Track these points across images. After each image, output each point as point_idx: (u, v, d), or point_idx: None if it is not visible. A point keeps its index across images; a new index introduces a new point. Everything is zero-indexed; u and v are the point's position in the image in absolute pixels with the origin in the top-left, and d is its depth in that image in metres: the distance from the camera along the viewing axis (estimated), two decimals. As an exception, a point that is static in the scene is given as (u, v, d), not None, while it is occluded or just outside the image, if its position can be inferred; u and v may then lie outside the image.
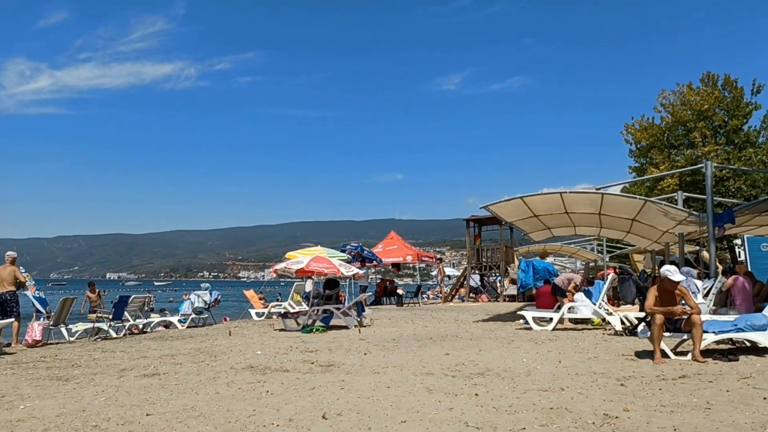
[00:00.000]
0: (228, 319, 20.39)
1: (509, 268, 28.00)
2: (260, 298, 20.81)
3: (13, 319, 11.51)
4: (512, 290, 26.46)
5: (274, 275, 16.44)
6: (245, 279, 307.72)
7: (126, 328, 14.29)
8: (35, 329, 12.05)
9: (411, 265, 34.58)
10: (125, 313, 14.21)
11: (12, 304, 11.61)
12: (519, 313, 13.92)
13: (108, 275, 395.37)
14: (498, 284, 27.52)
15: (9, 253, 11.97)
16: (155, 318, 16.60)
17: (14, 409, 5.62)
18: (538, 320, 12.56)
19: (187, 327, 16.43)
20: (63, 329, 13.24)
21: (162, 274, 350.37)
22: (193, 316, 16.85)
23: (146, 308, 16.32)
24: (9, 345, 11.56)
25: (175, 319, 16.62)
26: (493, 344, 9.91)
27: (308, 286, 16.19)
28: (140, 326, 15.20)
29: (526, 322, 12.63)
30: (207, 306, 17.32)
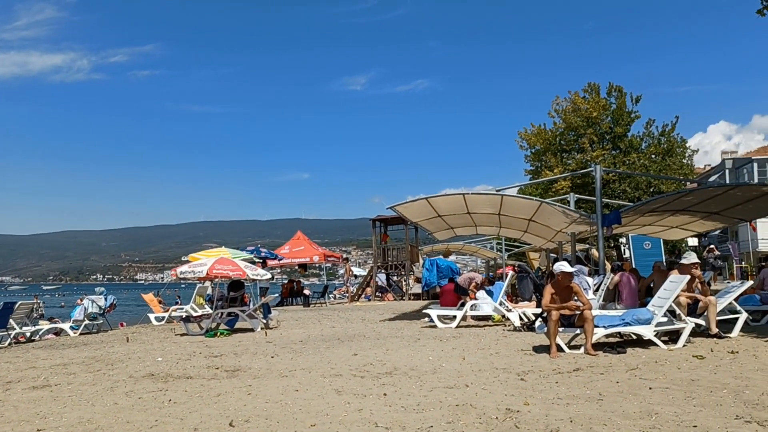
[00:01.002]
0: (125, 324, 19.45)
1: (414, 267, 28.55)
2: (159, 302, 19.99)
3: None
4: (417, 289, 26.98)
5: (175, 278, 15.85)
6: (143, 282, 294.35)
7: (11, 336, 13.30)
8: None
9: (317, 265, 34.45)
10: (10, 320, 13.21)
11: None
12: (424, 311, 14.23)
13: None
14: (403, 283, 27.99)
15: None
16: (44, 325, 15.57)
17: None
18: (443, 318, 12.90)
19: (80, 334, 15.51)
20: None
21: (51, 278, 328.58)
22: (87, 322, 15.92)
23: (34, 315, 15.27)
24: None
25: (66, 326, 15.65)
26: (400, 343, 10.08)
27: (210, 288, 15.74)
28: (27, 334, 14.20)
29: (431, 320, 12.93)
30: (102, 311, 16.41)
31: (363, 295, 28.88)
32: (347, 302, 26.69)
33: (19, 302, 14.04)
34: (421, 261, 28.58)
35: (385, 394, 5.84)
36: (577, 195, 21.81)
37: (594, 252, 23.52)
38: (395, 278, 28.88)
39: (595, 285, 12.76)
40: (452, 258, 34.14)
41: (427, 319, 13.43)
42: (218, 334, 12.78)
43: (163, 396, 6.22)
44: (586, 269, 13.97)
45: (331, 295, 30.28)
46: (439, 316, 12.84)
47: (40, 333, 15.10)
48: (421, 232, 26.14)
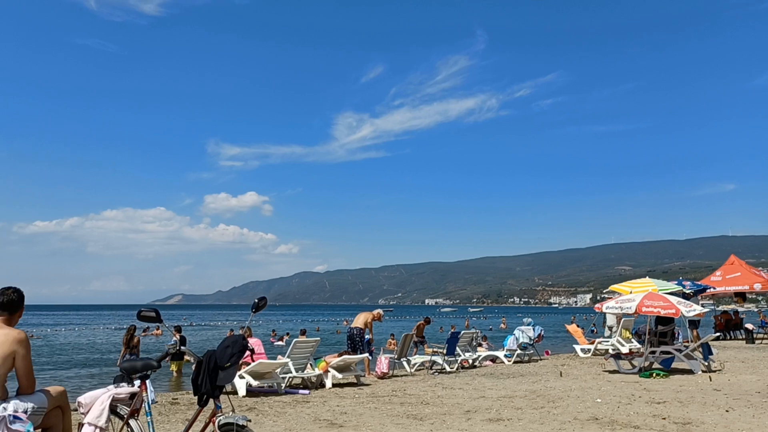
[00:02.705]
0: (550, 352, 20.07)
1: None
2: (581, 331, 20.04)
3: (367, 354, 13.05)
4: None
5: (600, 311, 15.63)
6: (557, 305, 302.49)
7: (458, 362, 15.02)
8: (383, 362, 13.40)
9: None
10: (457, 348, 14.95)
11: (358, 339, 13.32)
12: None
13: (426, 301, 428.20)
14: None
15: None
16: (483, 352, 17.15)
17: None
18: None
19: (514, 362, 16.60)
20: (404, 362, 14.49)
21: (474, 300, 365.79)
22: (519, 351, 16.98)
23: (474, 342, 17.00)
24: (363, 376, 13.06)
25: (501, 354, 16.95)
26: None
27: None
28: (470, 360, 15.84)
29: None
30: (531, 341, 17.31)
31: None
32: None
33: (463, 332, 15.80)
34: None
35: None
36: None
37: None
38: None
39: None
40: None
41: None
42: (653, 374, 11.99)
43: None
44: None
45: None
46: None
47: (480, 359, 16.66)
48: None
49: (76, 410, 4.38)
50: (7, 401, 3.80)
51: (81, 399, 4.14)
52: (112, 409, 4.08)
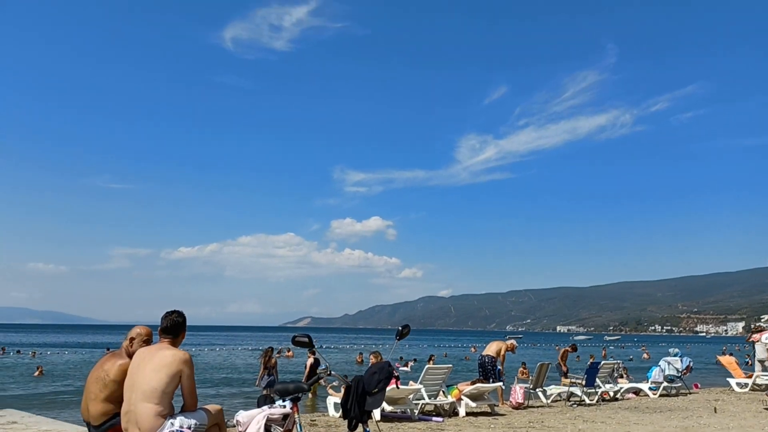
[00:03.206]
0: (699, 386, 18.46)
1: None
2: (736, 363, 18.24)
3: (501, 383, 12.73)
4: None
5: (757, 340, 14.22)
6: (704, 334, 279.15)
7: (598, 394, 14.23)
8: (518, 392, 13.00)
9: None
10: (597, 379, 14.19)
11: (489, 367, 13.01)
12: None
13: (558, 328, 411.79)
14: None
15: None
16: (624, 384, 16.15)
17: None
18: None
19: (659, 396, 15.46)
20: (540, 392, 13.96)
21: (611, 328, 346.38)
22: (665, 384, 15.78)
23: (615, 373, 16.04)
24: (497, 405, 12.74)
25: (645, 387, 15.85)
26: None
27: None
28: (611, 393, 14.96)
29: None
30: (679, 374, 16.03)
31: None
32: None
33: (603, 362, 14.96)
34: None
35: None
36: None
37: None
38: None
39: None
40: None
41: None
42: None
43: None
44: None
45: None
46: None
47: (621, 391, 15.68)
48: None
49: (233, 427, 4.64)
50: (174, 417, 4.11)
51: (239, 417, 4.39)
52: (267, 429, 4.28)
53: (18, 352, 43.62)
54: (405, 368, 28.42)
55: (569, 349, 16.41)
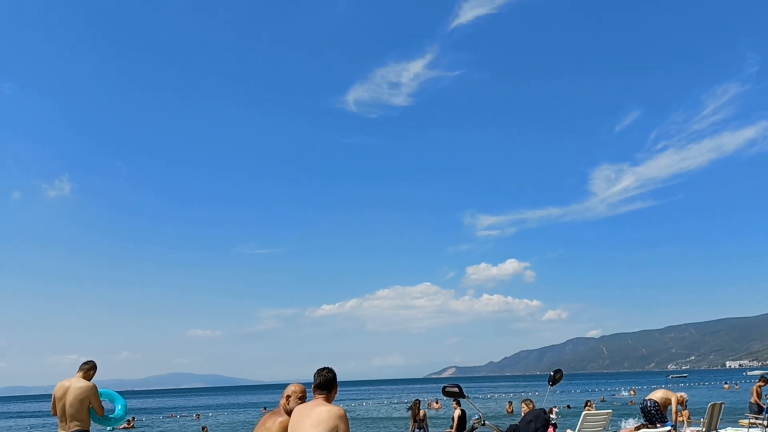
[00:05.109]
0: None
1: None
2: None
3: (669, 427, 11.71)
4: None
5: None
6: None
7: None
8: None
9: None
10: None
11: (653, 411, 11.99)
12: None
13: (728, 364, 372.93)
14: None
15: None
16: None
17: None
18: None
19: None
20: (717, 437, 12.63)
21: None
22: None
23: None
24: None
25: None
26: None
27: None
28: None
29: None
30: None
31: None
32: None
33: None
34: None
35: None
36: None
37: None
38: None
39: None
40: None
41: None
42: None
43: None
44: None
45: None
46: None
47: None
48: None
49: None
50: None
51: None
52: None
53: (197, 416, 46.71)
54: (551, 416, 27.09)
55: (761, 383, 14.69)
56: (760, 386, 14.37)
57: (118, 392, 7.77)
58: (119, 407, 7.67)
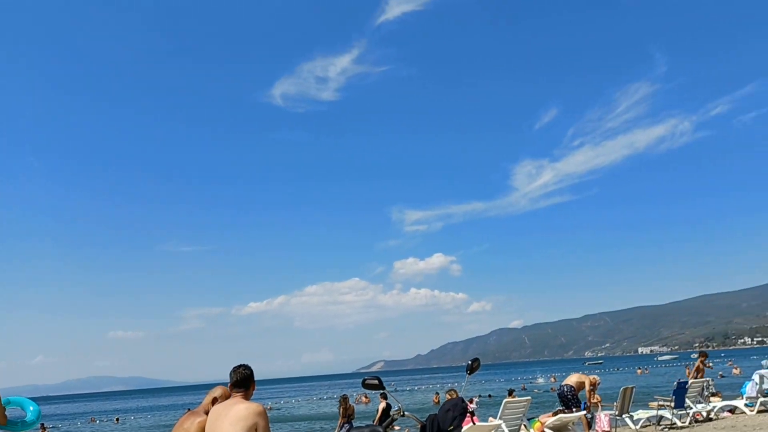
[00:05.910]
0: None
1: None
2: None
3: (584, 412, 12.24)
4: None
5: None
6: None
7: (690, 415, 13.48)
8: (603, 419, 12.46)
9: None
10: (686, 399, 13.46)
11: (569, 395, 12.52)
12: None
13: (640, 350, 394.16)
14: None
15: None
16: (717, 402, 15.25)
17: None
18: None
19: (757, 412, 14.48)
20: (627, 418, 13.34)
21: (696, 345, 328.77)
22: (762, 399, 14.78)
23: (705, 392, 15.18)
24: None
25: (741, 404, 14.91)
26: None
27: None
28: (703, 413, 14.14)
29: None
30: (776, 386, 14.98)
31: None
32: None
33: (691, 381, 14.20)
34: None
35: None
36: None
37: None
38: None
39: None
40: None
41: None
42: None
43: None
44: None
45: None
46: None
47: (715, 410, 14.80)
48: None
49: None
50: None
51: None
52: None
53: (117, 420, 44.98)
54: (472, 405, 27.77)
55: (703, 358, 15.64)
56: (702, 361, 15.32)
57: (31, 398, 7.33)
58: (30, 412, 7.23)
